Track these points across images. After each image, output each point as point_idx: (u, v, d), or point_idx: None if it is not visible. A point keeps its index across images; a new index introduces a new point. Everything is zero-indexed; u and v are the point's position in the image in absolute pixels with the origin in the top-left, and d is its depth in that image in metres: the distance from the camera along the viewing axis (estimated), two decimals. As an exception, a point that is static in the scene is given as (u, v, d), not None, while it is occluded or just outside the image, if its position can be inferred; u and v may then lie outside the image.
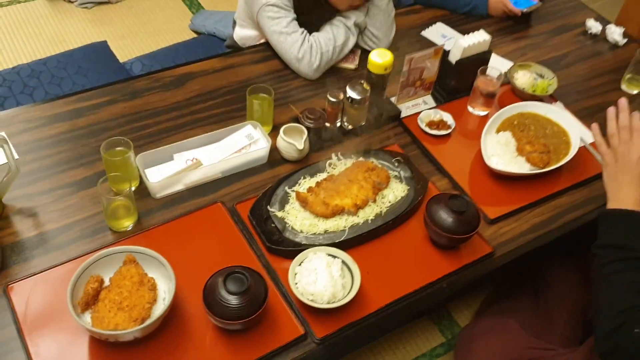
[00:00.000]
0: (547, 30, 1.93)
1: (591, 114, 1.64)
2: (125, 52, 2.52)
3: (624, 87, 1.74)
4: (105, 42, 2.24)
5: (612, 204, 1.19)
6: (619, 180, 1.19)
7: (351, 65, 1.69)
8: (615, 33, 1.88)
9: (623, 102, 1.22)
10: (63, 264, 1.15)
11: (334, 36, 1.60)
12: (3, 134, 1.22)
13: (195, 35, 2.42)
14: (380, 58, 1.42)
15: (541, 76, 1.67)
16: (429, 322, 1.71)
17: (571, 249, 1.48)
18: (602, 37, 1.92)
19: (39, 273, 1.13)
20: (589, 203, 1.42)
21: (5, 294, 1.10)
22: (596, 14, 2.01)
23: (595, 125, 1.27)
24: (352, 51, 1.71)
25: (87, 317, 1.02)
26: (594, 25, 1.91)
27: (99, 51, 2.17)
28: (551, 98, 1.66)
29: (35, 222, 1.24)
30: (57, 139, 1.42)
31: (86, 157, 1.38)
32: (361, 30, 1.68)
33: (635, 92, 1.73)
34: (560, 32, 1.93)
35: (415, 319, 1.63)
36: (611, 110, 1.23)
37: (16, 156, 1.35)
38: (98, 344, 1.04)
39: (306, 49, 1.58)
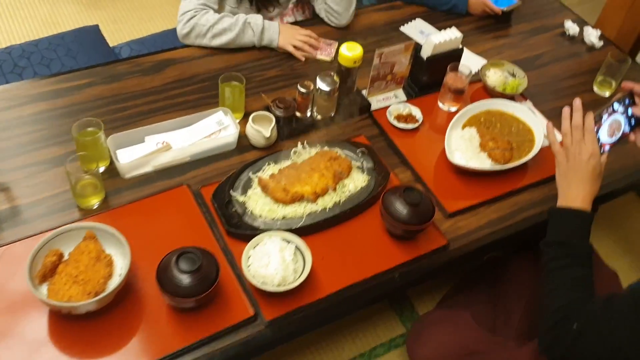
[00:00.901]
0: (526, 30, 1.95)
1: (560, 114, 1.66)
2: (116, 36, 2.56)
3: (595, 89, 1.77)
4: (96, 26, 2.28)
5: (561, 202, 1.23)
6: (569, 179, 1.23)
7: (327, 57, 1.73)
8: (592, 35, 1.90)
9: (577, 102, 1.25)
10: (29, 237, 1.20)
11: (218, 19, 1.66)
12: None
13: (186, 22, 2.46)
14: (350, 52, 1.46)
15: (513, 75, 1.70)
16: (391, 313, 1.76)
17: (531, 245, 1.52)
18: (579, 38, 1.95)
19: (5, 245, 1.19)
20: (548, 201, 1.45)
21: (-30, 264, 1.15)
22: (575, 16, 2.03)
23: (549, 124, 1.31)
24: (328, 44, 1.75)
25: (44, 289, 1.08)
26: (571, 27, 1.93)
27: (90, 35, 2.21)
28: (522, 97, 1.69)
29: (7, 197, 1.29)
30: (36, 117, 1.47)
31: (61, 136, 1.42)
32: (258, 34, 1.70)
33: (607, 94, 1.76)
34: (539, 33, 1.95)
35: (367, 306, 1.67)
36: (566, 110, 1.27)
37: (-7, 133, 1.40)
38: (55, 316, 1.10)
39: (188, 14, 1.65)
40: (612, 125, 1.27)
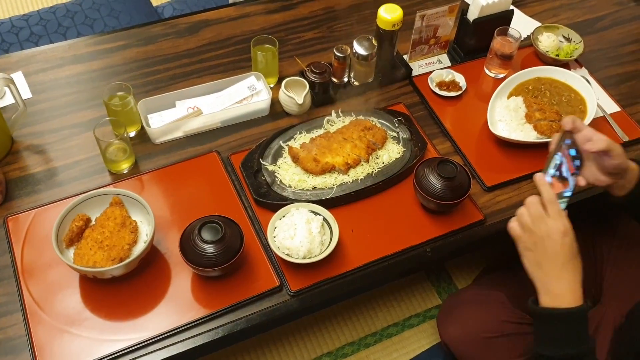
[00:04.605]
0: (587, -11, 1.81)
1: (618, 83, 1.55)
2: (160, -5, 2.53)
3: (661, 55, 1.63)
4: (140, -16, 2.26)
5: (545, 300, 0.97)
6: (545, 269, 0.97)
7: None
8: (661, -5, 1.74)
9: (538, 177, 1.00)
10: (60, 200, 1.22)
11: None
12: (11, 75, 1.28)
13: (229, -19, 2.41)
14: (388, 14, 1.38)
15: (568, 39, 1.58)
16: (427, 284, 1.71)
17: (574, 221, 1.42)
18: (647, -1, 1.78)
19: (37, 208, 1.20)
20: (597, 177, 1.35)
21: (4, 225, 1.18)
22: (644, -26, 1.86)
23: (538, 176, 1.01)
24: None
25: (71, 253, 1.09)
26: (638, -14, 1.77)
27: (133, -6, 2.20)
28: (577, 63, 1.57)
29: (40, 159, 1.31)
30: (71, 80, 1.47)
31: (96, 100, 1.42)
32: None
33: (673, 61, 1.61)
34: (602, -8, 1.80)
35: (397, 279, 1.62)
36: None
37: (29, 95, 1.41)
38: (83, 278, 1.11)
39: None
40: (558, 180, 1.04)
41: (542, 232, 0.96)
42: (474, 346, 1.26)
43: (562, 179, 1.04)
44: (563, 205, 1.00)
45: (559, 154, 1.05)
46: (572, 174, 1.04)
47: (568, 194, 1.03)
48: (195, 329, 1.09)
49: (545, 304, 0.97)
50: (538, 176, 1.00)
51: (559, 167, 1.04)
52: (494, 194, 1.31)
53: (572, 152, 1.06)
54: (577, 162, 1.06)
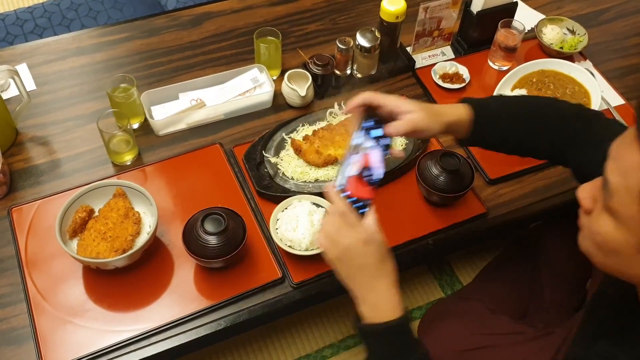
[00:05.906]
0: (592, -19, 1.79)
1: (623, 75, 1.54)
2: (164, -13, 2.52)
3: (666, 47, 1.62)
4: (142, -24, 2.26)
5: (366, 310, 0.90)
6: (357, 281, 0.90)
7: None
8: (667, -13, 1.73)
9: (328, 189, 0.93)
10: (64, 192, 1.22)
11: None
12: (15, 67, 1.28)
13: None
14: (392, 6, 1.38)
15: (572, 32, 1.57)
16: (430, 277, 1.71)
17: (570, 214, 1.41)
18: (652, -9, 1.77)
19: (41, 199, 1.21)
20: (601, 170, 1.35)
21: (8, 216, 1.18)
22: (650, -35, 1.84)
23: (330, 188, 0.93)
24: None
25: (74, 244, 1.09)
26: (644, -22, 1.76)
27: (137, -15, 2.19)
28: (581, 56, 1.56)
29: (44, 151, 1.31)
30: (75, 72, 1.47)
31: (99, 92, 1.42)
32: None
33: (678, 53, 1.60)
34: (607, -16, 1.79)
35: (399, 272, 1.61)
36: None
37: (34, 87, 1.42)
38: (86, 269, 1.12)
39: None
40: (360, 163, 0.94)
41: (345, 243, 0.88)
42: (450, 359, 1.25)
43: (369, 171, 0.93)
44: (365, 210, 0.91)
45: (358, 147, 0.92)
46: (383, 158, 0.94)
47: (378, 177, 0.93)
48: (198, 320, 1.09)
49: (366, 313, 0.90)
50: (328, 188, 0.92)
51: (364, 156, 0.93)
52: (497, 187, 1.31)
53: (376, 132, 0.94)
54: (387, 141, 0.95)
